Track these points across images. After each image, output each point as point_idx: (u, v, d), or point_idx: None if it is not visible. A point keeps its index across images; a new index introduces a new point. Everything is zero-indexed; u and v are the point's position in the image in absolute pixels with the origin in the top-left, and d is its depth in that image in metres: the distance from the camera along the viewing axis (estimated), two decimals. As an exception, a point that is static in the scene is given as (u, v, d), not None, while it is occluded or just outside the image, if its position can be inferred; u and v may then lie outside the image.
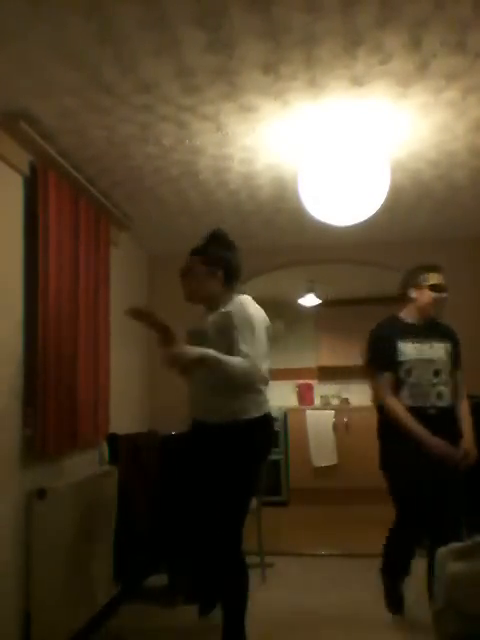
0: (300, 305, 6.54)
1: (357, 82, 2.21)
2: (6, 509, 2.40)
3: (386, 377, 2.68)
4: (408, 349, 2.68)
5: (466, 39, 1.98)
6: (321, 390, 6.98)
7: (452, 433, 2.62)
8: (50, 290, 2.64)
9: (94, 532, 2.85)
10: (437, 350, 2.70)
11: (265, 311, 2.49)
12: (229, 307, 2.39)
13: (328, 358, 6.87)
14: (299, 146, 2.73)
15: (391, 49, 2.02)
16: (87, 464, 3.14)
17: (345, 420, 6.31)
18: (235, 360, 2.23)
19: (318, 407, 6.69)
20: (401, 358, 2.67)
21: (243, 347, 2.25)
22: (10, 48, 1.96)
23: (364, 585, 3.39)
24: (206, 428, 2.41)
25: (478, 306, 4.27)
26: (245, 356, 2.23)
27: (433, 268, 2.76)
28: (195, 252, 2.54)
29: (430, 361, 2.67)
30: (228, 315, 2.35)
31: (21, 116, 2.37)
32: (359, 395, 6.89)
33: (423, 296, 2.73)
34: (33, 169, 2.63)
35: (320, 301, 6.39)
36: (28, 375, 2.58)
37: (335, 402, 6.84)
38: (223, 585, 2.40)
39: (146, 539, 3.10)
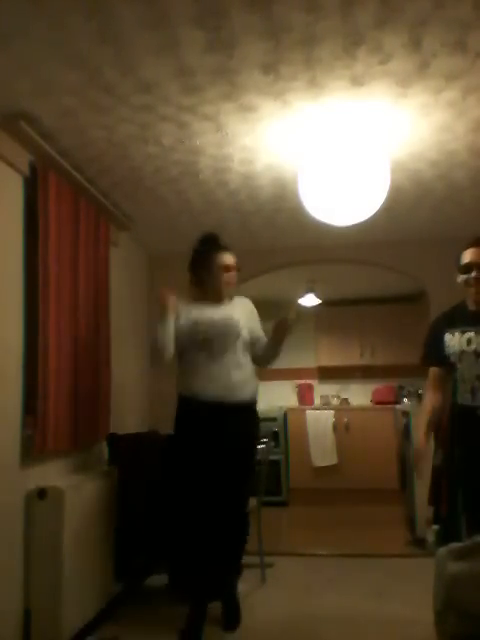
0: (300, 305, 6.53)
1: (357, 82, 2.21)
2: (6, 509, 2.40)
3: (432, 372, 2.56)
4: (453, 340, 2.44)
5: (466, 39, 1.98)
6: (321, 390, 6.98)
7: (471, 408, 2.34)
8: (50, 290, 2.64)
9: (94, 532, 2.84)
10: None
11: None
12: (242, 299, 2.91)
13: (328, 358, 6.87)
14: (299, 146, 2.73)
15: (391, 49, 2.02)
16: (87, 464, 3.14)
17: (345, 420, 6.31)
18: None
19: (318, 407, 6.69)
20: (447, 351, 2.46)
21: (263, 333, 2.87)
22: (10, 48, 1.96)
23: (364, 585, 3.39)
24: (236, 406, 2.65)
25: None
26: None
27: (469, 244, 2.47)
28: (230, 248, 2.85)
29: (476, 354, 2.37)
30: (251, 304, 2.92)
31: (21, 116, 2.37)
32: (359, 395, 6.90)
33: (460, 280, 2.47)
34: (33, 169, 2.63)
35: (320, 301, 6.39)
36: (28, 375, 2.59)
37: (335, 402, 6.84)
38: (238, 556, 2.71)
39: (146, 539, 3.10)
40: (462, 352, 2.39)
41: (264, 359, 2.86)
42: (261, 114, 2.45)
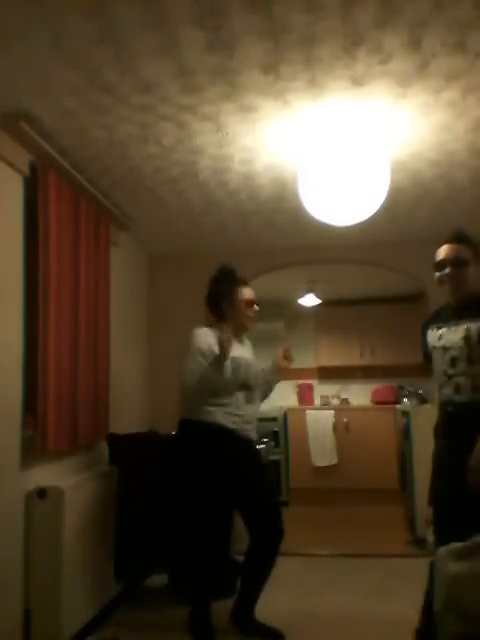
0: (300, 305, 6.54)
1: (357, 82, 2.21)
2: (6, 509, 2.40)
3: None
4: (431, 336, 2.41)
5: (466, 39, 1.98)
6: (321, 390, 6.98)
7: (473, 437, 2.17)
8: (50, 290, 2.64)
9: (94, 532, 2.85)
10: (454, 334, 2.30)
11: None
12: (248, 342, 2.97)
13: (328, 358, 6.87)
14: (299, 146, 2.73)
15: (391, 49, 2.02)
16: (87, 464, 3.14)
17: (345, 420, 6.31)
18: None
19: (318, 407, 6.69)
20: (427, 347, 2.44)
21: None
22: (10, 48, 1.96)
23: (364, 585, 3.39)
24: (250, 442, 2.79)
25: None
26: None
27: (444, 240, 2.38)
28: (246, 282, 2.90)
29: (445, 348, 2.32)
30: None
31: (21, 116, 2.37)
32: (359, 395, 6.90)
33: (436, 278, 2.39)
34: (33, 169, 2.63)
35: (320, 301, 6.39)
36: (28, 375, 2.59)
37: (335, 402, 6.84)
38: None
39: (146, 539, 3.10)
40: (434, 348, 2.38)
41: (262, 397, 3.03)
42: (261, 114, 2.45)
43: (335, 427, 6.29)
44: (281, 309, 6.79)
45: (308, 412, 6.42)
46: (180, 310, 2.77)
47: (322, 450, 6.25)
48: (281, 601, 3.16)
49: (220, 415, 2.67)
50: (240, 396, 2.73)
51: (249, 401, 2.78)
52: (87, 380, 3.02)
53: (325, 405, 6.77)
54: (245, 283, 2.86)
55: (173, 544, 3.13)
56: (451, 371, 2.28)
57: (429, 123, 2.56)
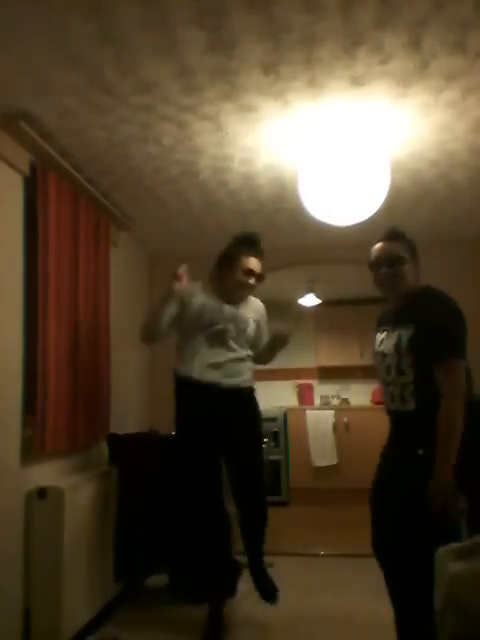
0: (300, 305, 6.53)
1: (357, 82, 2.21)
2: (6, 509, 2.40)
3: None
4: (376, 340, 2.25)
5: (466, 39, 1.98)
6: (321, 390, 6.98)
7: (406, 447, 2.11)
8: (50, 290, 2.64)
9: (94, 532, 2.84)
10: (390, 339, 2.13)
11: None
12: (256, 301, 2.95)
13: (328, 358, 6.87)
14: (299, 146, 2.73)
15: (391, 49, 2.02)
16: (87, 464, 3.14)
17: (345, 420, 6.31)
18: None
19: (318, 407, 6.69)
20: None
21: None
22: (10, 48, 1.96)
23: (364, 585, 3.38)
24: (239, 391, 2.73)
25: (478, 306, 4.26)
26: None
27: (379, 238, 2.21)
28: (262, 254, 2.83)
29: (383, 355, 2.16)
30: (263, 308, 2.99)
31: (21, 116, 2.37)
32: (359, 395, 6.90)
33: (372, 277, 2.22)
34: (33, 169, 2.63)
35: (320, 301, 6.39)
36: (28, 375, 2.59)
37: (335, 402, 6.84)
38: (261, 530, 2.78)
39: (146, 539, 3.10)
40: (375, 353, 2.24)
41: (260, 359, 2.95)
42: (261, 114, 2.45)
43: (335, 427, 6.29)
44: (281, 309, 6.79)
45: (308, 412, 6.42)
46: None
47: (322, 450, 6.25)
48: (281, 601, 3.16)
49: (196, 368, 2.67)
50: (205, 341, 2.69)
51: (215, 347, 2.70)
52: (87, 380, 3.02)
53: (325, 405, 6.77)
54: (256, 254, 2.78)
55: (173, 541, 3.13)
56: (388, 379, 2.15)
57: (429, 123, 2.56)
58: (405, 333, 2.06)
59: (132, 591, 3.22)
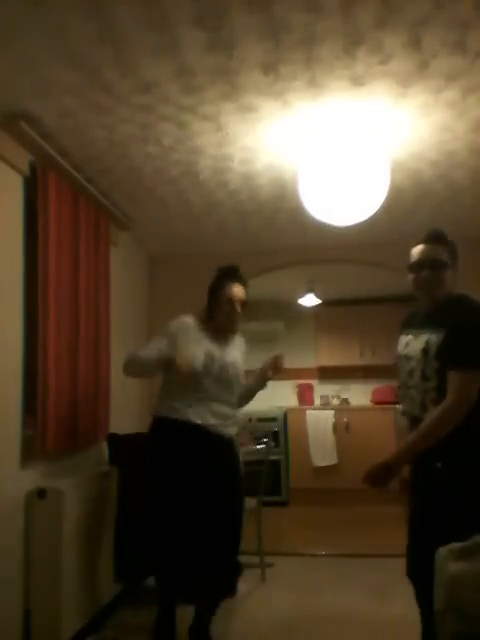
0: (300, 305, 6.54)
1: (357, 82, 2.21)
2: (6, 509, 2.40)
3: None
4: (400, 342, 2.23)
5: (466, 39, 1.98)
6: (321, 390, 6.98)
7: (425, 459, 2.07)
8: (50, 290, 2.64)
9: (94, 532, 2.85)
10: (417, 343, 2.09)
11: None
12: (240, 339, 2.81)
13: (328, 358, 6.87)
14: (299, 146, 2.73)
15: (391, 49, 2.02)
16: (87, 464, 3.14)
17: (345, 420, 6.31)
18: None
19: (318, 407, 6.69)
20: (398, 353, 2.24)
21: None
22: (10, 48, 1.96)
23: (364, 585, 3.39)
24: (224, 440, 2.60)
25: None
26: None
27: (421, 240, 2.17)
28: (245, 285, 2.73)
29: (407, 358, 2.13)
30: (244, 346, 2.83)
31: (21, 116, 2.37)
32: (359, 395, 6.90)
33: (409, 279, 2.18)
34: (33, 169, 2.63)
35: (320, 301, 6.39)
36: (28, 375, 2.59)
37: (335, 402, 6.84)
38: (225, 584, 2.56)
39: (146, 539, 3.09)
40: (399, 355, 2.21)
41: (241, 401, 2.79)
42: (261, 114, 2.45)
43: (335, 427, 6.29)
44: (281, 309, 6.79)
45: (308, 412, 6.42)
46: (180, 310, 2.75)
47: (322, 450, 6.25)
48: (281, 601, 3.16)
49: (188, 411, 2.53)
50: (211, 392, 2.57)
51: (222, 399, 2.60)
52: (87, 380, 3.02)
53: (325, 405, 6.77)
54: (238, 281, 2.68)
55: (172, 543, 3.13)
56: (410, 383, 2.10)
57: (429, 123, 2.56)
58: (434, 338, 2.02)
59: (132, 591, 3.22)
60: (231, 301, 2.65)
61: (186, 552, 2.51)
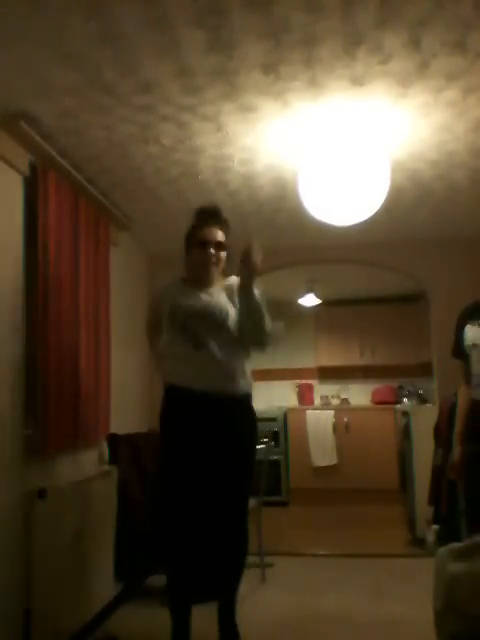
0: (300, 305, 6.54)
1: (357, 82, 2.21)
2: (6, 509, 2.40)
3: (460, 366, 2.42)
4: (470, 333, 2.33)
5: (466, 39, 1.98)
6: (321, 390, 6.98)
7: None
8: (50, 290, 2.64)
9: (94, 532, 2.85)
10: None
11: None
12: (231, 279, 2.49)
13: (328, 358, 6.87)
14: (299, 146, 2.73)
15: (391, 49, 2.02)
16: (87, 464, 3.14)
17: (345, 420, 6.31)
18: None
19: (318, 407, 6.69)
20: (465, 343, 2.35)
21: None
22: (11, 48, 1.96)
23: (364, 585, 3.39)
24: (227, 400, 2.34)
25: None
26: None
27: None
28: (223, 223, 2.46)
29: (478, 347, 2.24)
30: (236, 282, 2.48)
31: (21, 116, 2.37)
32: (359, 395, 6.90)
33: None
34: (33, 169, 2.63)
35: (320, 301, 6.39)
36: (28, 375, 2.59)
37: (335, 402, 6.84)
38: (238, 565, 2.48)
39: (146, 539, 3.10)
40: (473, 345, 2.29)
41: (249, 336, 2.44)
42: (261, 114, 2.45)
43: (335, 427, 6.29)
44: (281, 309, 6.79)
45: (308, 412, 6.42)
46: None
47: (322, 450, 6.25)
48: (281, 601, 3.16)
49: (167, 369, 2.41)
50: (184, 345, 2.35)
51: (195, 348, 2.35)
52: (87, 380, 3.02)
53: (325, 405, 6.77)
54: (210, 223, 2.42)
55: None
56: None
57: (429, 123, 2.56)
58: None
59: (132, 591, 3.23)
60: (203, 243, 2.39)
61: (197, 541, 2.35)
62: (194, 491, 2.32)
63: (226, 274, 2.52)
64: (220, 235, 2.43)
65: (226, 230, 2.46)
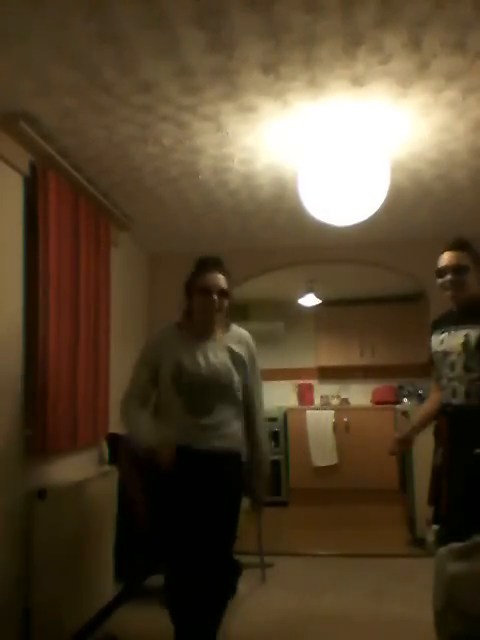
0: (300, 305, 6.54)
1: (357, 82, 2.21)
2: (6, 509, 2.40)
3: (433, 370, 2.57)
4: (434, 341, 2.48)
5: (466, 39, 1.98)
6: (321, 390, 6.98)
7: (472, 437, 2.27)
8: (50, 290, 2.64)
9: (94, 532, 2.85)
10: (454, 339, 2.37)
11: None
12: (240, 333, 2.49)
13: (328, 358, 6.87)
14: (299, 146, 2.73)
15: (391, 49, 2.02)
16: (87, 464, 3.14)
17: (345, 420, 6.31)
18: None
19: (318, 407, 6.69)
20: (431, 351, 2.52)
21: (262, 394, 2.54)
22: (11, 49, 1.96)
23: (364, 585, 3.39)
24: (227, 456, 2.34)
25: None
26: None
27: (446, 247, 2.41)
28: (225, 273, 2.43)
29: (445, 353, 2.40)
30: (249, 341, 2.50)
31: (21, 116, 2.37)
32: (359, 395, 6.90)
33: (438, 284, 2.44)
34: (33, 169, 2.63)
35: (320, 301, 6.39)
36: (28, 375, 2.59)
37: (335, 402, 6.84)
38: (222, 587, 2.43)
39: (146, 539, 3.10)
40: (435, 352, 2.48)
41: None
42: (261, 114, 2.45)
43: (335, 427, 6.29)
44: (281, 309, 6.79)
45: (308, 412, 6.42)
46: (180, 310, 2.76)
47: (322, 450, 6.25)
48: (281, 601, 3.16)
49: (174, 431, 2.32)
50: (184, 405, 2.32)
51: (209, 407, 2.33)
52: (87, 380, 3.02)
53: (325, 405, 6.77)
54: (211, 270, 2.38)
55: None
56: (451, 375, 2.38)
57: (429, 123, 2.56)
58: (474, 332, 2.31)
59: (132, 591, 3.23)
60: (205, 289, 2.34)
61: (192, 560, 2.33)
62: (189, 529, 2.31)
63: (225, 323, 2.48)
64: (223, 282, 2.38)
65: (228, 278, 2.42)
